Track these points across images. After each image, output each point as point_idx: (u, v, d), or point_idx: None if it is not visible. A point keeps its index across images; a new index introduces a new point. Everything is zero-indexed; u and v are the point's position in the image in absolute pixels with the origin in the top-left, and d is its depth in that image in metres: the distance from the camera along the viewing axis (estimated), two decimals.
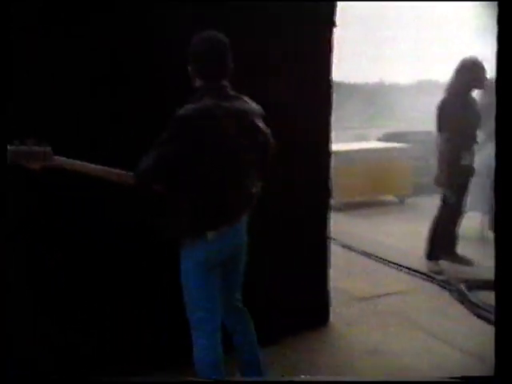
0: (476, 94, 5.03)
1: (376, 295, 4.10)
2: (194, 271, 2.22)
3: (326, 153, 3.46)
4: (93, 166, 2.12)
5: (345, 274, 4.40)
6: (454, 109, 4.39)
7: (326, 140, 3.46)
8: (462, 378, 1.75)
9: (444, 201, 4.62)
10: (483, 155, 5.37)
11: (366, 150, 7.36)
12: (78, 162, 2.10)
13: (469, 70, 4.42)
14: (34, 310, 2.62)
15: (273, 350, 2.98)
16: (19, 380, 1.86)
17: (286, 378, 2.48)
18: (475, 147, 4.64)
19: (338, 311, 3.72)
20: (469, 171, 4.60)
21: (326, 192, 3.47)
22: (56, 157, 2.05)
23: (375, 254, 5.05)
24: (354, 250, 5.19)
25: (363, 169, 6.92)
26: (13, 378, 1.83)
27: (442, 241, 4.69)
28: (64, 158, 2.08)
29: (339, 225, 4.33)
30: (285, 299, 3.24)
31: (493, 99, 5.00)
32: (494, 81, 5.10)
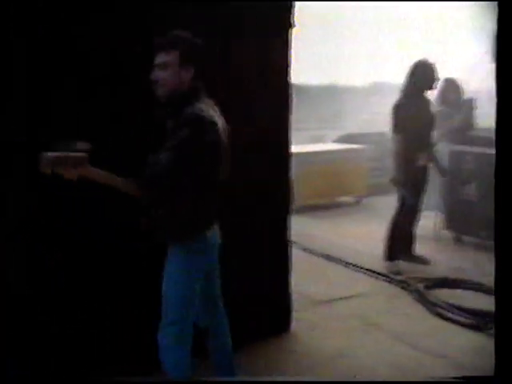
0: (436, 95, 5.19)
1: (337, 298, 4.08)
2: (183, 279, 2.27)
3: (287, 154, 3.41)
4: (120, 179, 2.12)
5: (305, 278, 4.35)
6: (408, 110, 4.46)
7: (286, 141, 3.41)
8: (462, 377, 1.75)
9: (401, 201, 4.66)
10: (436, 155, 5.48)
11: (322, 152, 7.39)
12: (108, 175, 2.10)
13: (421, 72, 4.49)
14: (33, 309, 2.58)
15: (235, 358, 2.89)
16: (19, 380, 1.96)
17: (286, 378, 2.54)
18: (432, 148, 4.72)
19: (300, 316, 3.67)
20: (424, 172, 4.66)
21: (286, 194, 3.42)
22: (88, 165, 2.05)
23: (335, 256, 5.04)
24: (314, 253, 5.17)
25: (320, 171, 6.94)
26: (13, 378, 1.94)
27: (399, 241, 4.73)
28: (96, 169, 2.06)
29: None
30: (245, 305, 3.16)
31: (453, 98, 5.15)
32: (449, 82, 5.28)
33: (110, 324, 2.79)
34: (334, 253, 5.15)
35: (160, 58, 2.21)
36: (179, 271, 2.26)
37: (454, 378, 1.65)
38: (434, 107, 4.70)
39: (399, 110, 4.51)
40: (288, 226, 3.43)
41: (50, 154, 1.94)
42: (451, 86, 5.41)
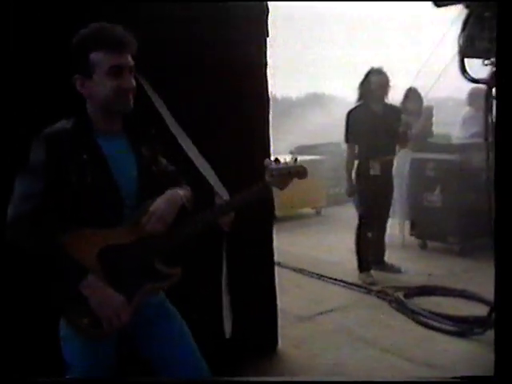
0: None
1: (318, 313, 3.97)
2: None
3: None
4: None
5: (282, 293, 4.21)
6: (360, 117, 4.44)
7: (266, 151, 3.28)
8: (462, 378, 1.76)
9: (359, 212, 4.63)
10: (399, 163, 5.54)
11: None
12: None
13: (372, 80, 4.47)
14: (33, 309, 2.34)
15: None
16: (19, 380, 1.87)
17: (287, 378, 2.51)
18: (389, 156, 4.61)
19: (284, 333, 3.53)
20: (378, 181, 4.48)
21: (269, 210, 3.28)
22: None
23: (306, 269, 4.94)
24: (284, 267, 5.04)
25: None
26: (13, 378, 1.85)
27: (366, 252, 4.66)
28: None
29: None
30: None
31: (415, 107, 5.20)
32: (410, 91, 5.31)
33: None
34: (305, 266, 5.05)
35: (126, 60, 1.70)
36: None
37: (454, 378, 1.61)
38: (395, 115, 4.60)
39: (350, 119, 4.49)
40: (272, 241, 3.30)
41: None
42: (412, 94, 5.49)
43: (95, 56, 1.66)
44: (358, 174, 4.50)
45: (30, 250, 1.63)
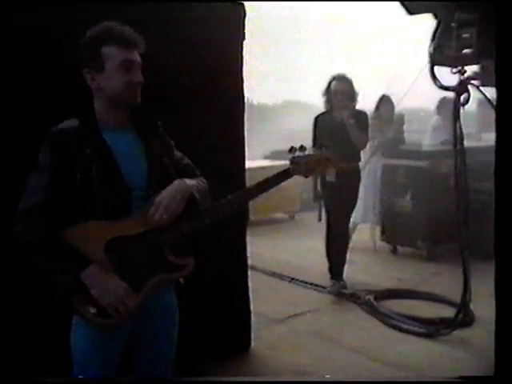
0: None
1: (291, 315, 4.01)
2: None
3: (241, 169, 3.32)
4: None
5: (254, 296, 4.24)
6: (322, 125, 4.43)
7: (241, 155, 3.32)
8: (462, 378, 1.74)
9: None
10: (371, 169, 5.65)
11: (254, 169, 7.35)
12: None
13: (333, 87, 4.38)
14: (33, 309, 2.39)
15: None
16: (19, 380, 1.84)
17: (286, 378, 2.55)
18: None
19: (257, 335, 3.56)
20: (336, 188, 4.37)
21: (243, 213, 3.31)
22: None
23: (279, 273, 4.99)
24: (258, 270, 5.07)
25: None
26: (13, 378, 1.82)
27: (336, 259, 4.57)
28: None
29: None
30: (203, 325, 3.00)
31: (387, 114, 5.22)
32: (383, 98, 5.35)
33: None
34: (278, 269, 5.10)
35: (136, 56, 1.77)
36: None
37: (454, 378, 1.64)
38: (360, 121, 4.36)
39: (317, 124, 4.49)
40: (246, 244, 3.33)
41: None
42: (385, 101, 5.61)
43: (107, 50, 1.72)
44: (322, 181, 4.50)
45: (34, 243, 1.65)
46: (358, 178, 4.57)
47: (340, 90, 4.38)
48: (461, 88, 2.68)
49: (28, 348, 2.38)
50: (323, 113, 4.54)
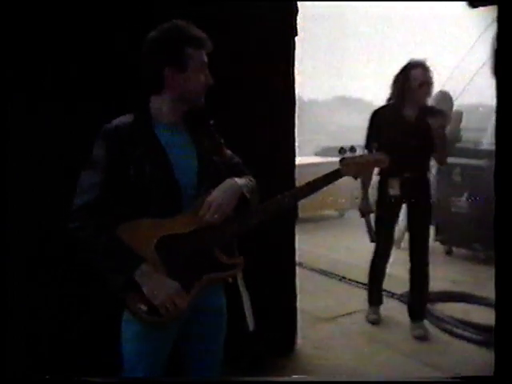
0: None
1: (340, 314, 3.95)
2: None
3: (291, 166, 3.28)
4: None
5: (303, 294, 4.20)
6: (385, 123, 3.54)
7: (291, 152, 3.28)
8: (462, 378, 1.76)
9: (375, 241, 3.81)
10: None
11: (305, 165, 7.30)
12: None
13: (413, 76, 3.45)
14: (34, 308, 2.41)
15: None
16: (19, 380, 1.82)
17: (286, 378, 2.46)
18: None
19: (304, 334, 3.52)
20: (395, 203, 3.66)
21: (292, 210, 3.27)
22: None
23: (329, 271, 4.92)
24: (307, 268, 5.04)
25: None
26: (12, 378, 1.80)
27: (379, 284, 4.01)
28: None
29: None
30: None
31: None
32: (441, 94, 5.05)
33: (110, 323, 2.57)
34: (327, 267, 5.03)
35: (205, 58, 1.78)
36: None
37: (454, 378, 1.61)
38: (437, 121, 3.43)
39: (375, 120, 3.63)
40: (294, 241, 3.29)
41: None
42: (443, 97, 5.40)
43: (189, 51, 1.72)
44: (378, 193, 3.68)
45: (89, 240, 1.66)
46: (427, 194, 3.69)
47: (424, 80, 3.45)
48: None
49: (77, 347, 2.42)
50: (385, 106, 3.66)
